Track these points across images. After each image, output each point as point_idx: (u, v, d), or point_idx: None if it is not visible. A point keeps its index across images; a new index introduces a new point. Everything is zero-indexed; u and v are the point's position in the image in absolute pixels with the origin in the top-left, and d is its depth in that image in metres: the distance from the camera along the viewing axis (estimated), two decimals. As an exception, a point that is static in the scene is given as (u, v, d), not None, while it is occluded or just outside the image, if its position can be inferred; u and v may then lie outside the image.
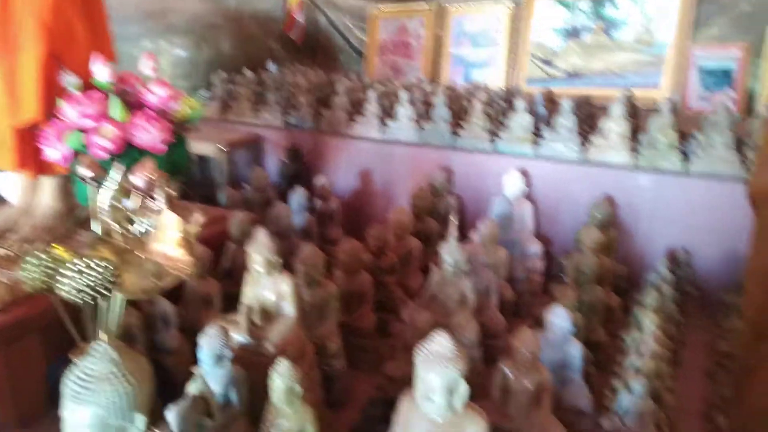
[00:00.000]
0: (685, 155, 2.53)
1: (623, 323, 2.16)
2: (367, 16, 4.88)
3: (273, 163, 3.37)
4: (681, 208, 2.45)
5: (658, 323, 1.87)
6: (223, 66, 4.05)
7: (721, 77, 3.73)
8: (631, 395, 1.59)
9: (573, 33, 4.15)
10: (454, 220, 1.94)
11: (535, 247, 2.61)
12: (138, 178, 1.34)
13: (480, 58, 4.50)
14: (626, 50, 3.98)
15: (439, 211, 2.80)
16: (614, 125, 2.61)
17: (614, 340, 2.10)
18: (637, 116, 3.03)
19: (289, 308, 1.64)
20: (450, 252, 1.87)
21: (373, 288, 2.12)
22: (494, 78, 4.41)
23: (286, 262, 1.97)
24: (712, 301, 2.43)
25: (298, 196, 2.65)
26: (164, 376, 1.82)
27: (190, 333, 1.46)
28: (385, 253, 2.30)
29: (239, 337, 1.62)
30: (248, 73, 3.74)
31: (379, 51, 4.90)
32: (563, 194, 2.67)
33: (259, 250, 1.60)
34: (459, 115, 3.08)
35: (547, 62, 4.23)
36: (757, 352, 1.21)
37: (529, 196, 2.72)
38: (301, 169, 3.22)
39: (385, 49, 4.89)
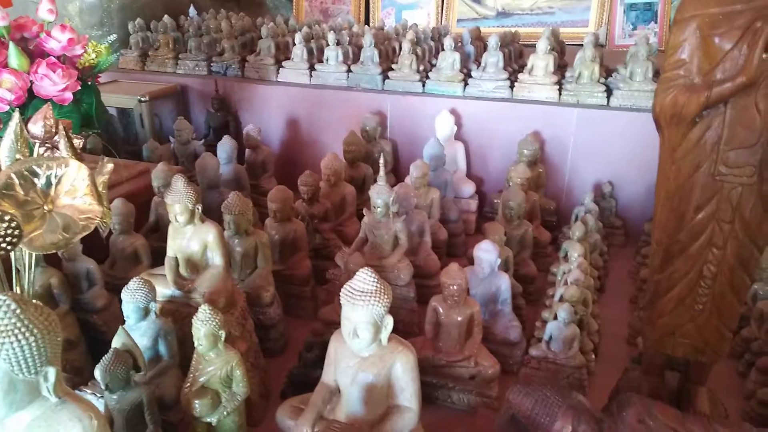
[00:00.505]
0: (609, 89, 2.58)
1: (554, 257, 2.23)
2: (293, -43, 4.67)
3: (199, 113, 3.23)
4: (605, 142, 2.51)
5: (583, 253, 1.95)
6: (139, 13, 3.81)
7: (645, 11, 3.80)
8: (557, 322, 1.66)
9: (501, -29, 4.11)
10: (382, 162, 1.92)
11: (467, 187, 2.64)
12: (38, 128, 1.25)
13: (410, -1, 4.42)
14: (554, -13, 3.99)
15: (374, 156, 2.77)
16: (540, 62, 2.62)
17: (545, 274, 2.17)
18: (563, 53, 3.07)
19: (216, 258, 1.60)
20: (379, 194, 1.86)
21: (306, 235, 2.10)
22: (425, 19, 4.35)
23: (217, 213, 1.93)
24: (635, 231, 2.54)
25: (226, 146, 2.56)
26: (95, 336, 1.78)
27: (120, 291, 1.42)
28: (317, 200, 2.27)
29: (166, 290, 1.58)
30: (167, 19, 3.53)
31: (307, -6, 4.73)
32: (493, 133, 2.69)
33: (178, 199, 1.54)
34: (388, 56, 3.02)
35: (477, 1, 4.19)
36: (665, 274, 1.26)
37: (460, 136, 2.73)
38: (228, 118, 3.11)
39: (313, -9, 4.72)
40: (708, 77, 1.13)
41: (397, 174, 2.84)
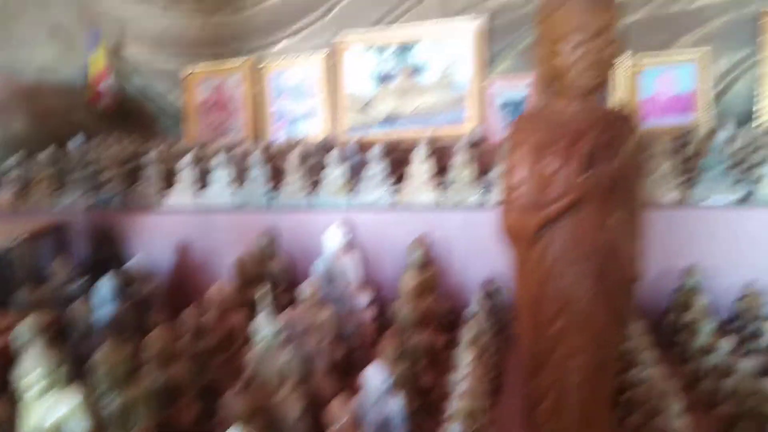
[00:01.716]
0: (487, 187, 2.71)
1: (450, 363, 2.22)
2: (181, 78, 4.74)
3: (81, 250, 3.09)
4: (488, 239, 2.59)
5: (474, 357, 1.95)
6: (18, 147, 3.69)
7: (517, 107, 4.09)
8: (450, 440, 1.62)
9: (384, 79, 4.34)
10: (264, 290, 1.88)
11: (363, 299, 2.62)
12: None
13: (301, 110, 4.55)
14: (432, 91, 4.24)
15: (267, 277, 2.73)
16: (419, 167, 2.73)
17: (442, 383, 2.15)
18: (443, 155, 3.22)
19: (80, 426, 1.47)
20: (261, 326, 1.81)
21: (192, 376, 1.99)
22: (317, 129, 4.48)
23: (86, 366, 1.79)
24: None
25: (106, 284, 2.44)
26: None
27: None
28: (205, 334, 2.18)
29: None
30: (45, 152, 3.44)
31: (199, 112, 4.77)
32: (383, 240, 2.74)
33: (34, 367, 1.42)
34: (277, 173, 3.06)
35: (364, 109, 4.38)
36: (537, 382, 1.28)
37: (352, 247, 2.75)
38: (112, 252, 2.99)
39: (204, 109, 4.77)
40: (542, 197, 1.21)
41: (291, 293, 2.80)
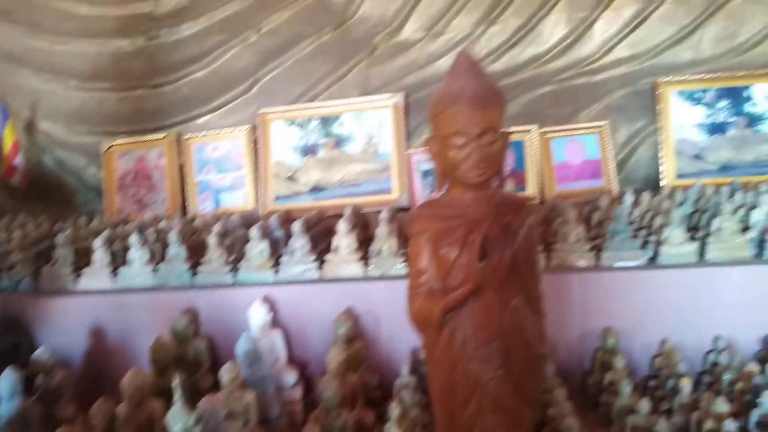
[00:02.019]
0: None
1: (380, 440, 2.17)
2: (101, 151, 4.62)
3: (-16, 339, 2.87)
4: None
5: (402, 435, 1.91)
6: None
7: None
8: None
9: (309, 150, 4.40)
10: (177, 379, 1.80)
11: (290, 377, 2.55)
12: None
13: (227, 182, 4.51)
14: (357, 162, 4.32)
15: (188, 358, 2.62)
16: (343, 240, 2.74)
17: (372, 462, 2.09)
18: (367, 226, 3.25)
19: None
20: (175, 419, 1.72)
21: (100, 476, 1.85)
22: (244, 200, 4.44)
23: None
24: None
25: (6, 378, 2.26)
26: None
27: None
28: (115, 428, 2.04)
29: None
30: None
31: (120, 186, 4.64)
32: (309, 315, 2.70)
33: None
34: (197, 250, 2.98)
35: (291, 179, 4.40)
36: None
37: (277, 324, 2.69)
38: (20, 341, 2.79)
39: (125, 183, 4.65)
40: (444, 284, 1.23)
41: (215, 374, 2.68)
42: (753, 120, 3.95)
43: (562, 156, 4.13)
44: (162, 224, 3.34)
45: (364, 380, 2.47)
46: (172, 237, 2.89)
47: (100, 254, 2.92)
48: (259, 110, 4.42)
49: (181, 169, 4.54)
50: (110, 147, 4.62)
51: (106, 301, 2.81)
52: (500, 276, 1.22)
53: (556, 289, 2.62)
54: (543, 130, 4.14)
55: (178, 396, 1.75)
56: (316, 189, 4.33)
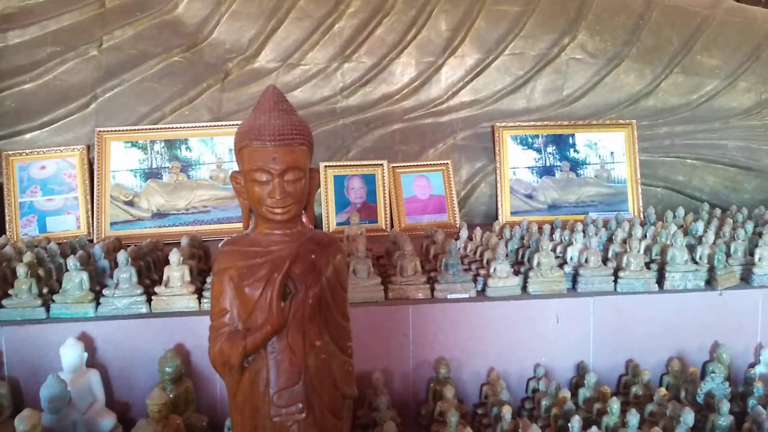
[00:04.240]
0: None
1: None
2: None
3: None
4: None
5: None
6: None
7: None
8: None
9: (152, 174, 4.16)
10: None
11: (107, 421, 2.33)
12: None
13: (55, 205, 4.12)
14: (205, 188, 4.16)
15: (-15, 402, 2.30)
16: (175, 273, 2.59)
17: None
18: (207, 256, 3.11)
19: None
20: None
21: None
22: (75, 225, 4.07)
23: None
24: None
25: None
26: None
27: None
28: None
29: None
30: None
31: (-76, 204, 4.05)
32: (134, 353, 2.50)
33: None
34: (5, 280, 2.66)
35: (130, 203, 4.12)
36: None
37: (94, 363, 2.46)
38: None
39: (-69, 200, 4.07)
40: (246, 325, 1.19)
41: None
42: (576, 164, 4.39)
43: (410, 190, 4.29)
44: (-36, 250, 2.94)
45: (191, 421, 2.33)
46: (-26, 265, 2.55)
47: None
48: (96, 129, 4.11)
49: (2, 188, 4.06)
50: None
51: None
52: (304, 315, 1.20)
53: (393, 321, 2.68)
54: (393, 165, 4.28)
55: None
56: (159, 215, 4.09)
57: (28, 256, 2.61)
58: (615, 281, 2.83)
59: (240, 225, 3.93)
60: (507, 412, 2.35)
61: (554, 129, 4.41)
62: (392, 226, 4.14)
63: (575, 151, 4.41)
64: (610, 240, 3.12)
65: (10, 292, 2.57)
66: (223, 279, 1.21)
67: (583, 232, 3.12)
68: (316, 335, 1.23)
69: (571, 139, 4.43)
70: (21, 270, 2.53)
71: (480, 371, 2.73)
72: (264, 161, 1.28)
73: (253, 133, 1.31)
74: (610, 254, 3.00)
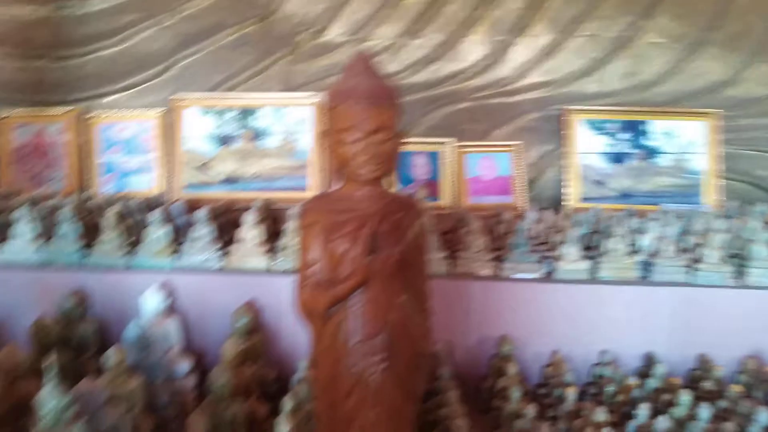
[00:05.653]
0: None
1: (271, 433, 2.12)
2: (-5, 120, 4.27)
3: None
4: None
5: (293, 428, 1.88)
6: None
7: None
8: None
9: (224, 140, 4.27)
10: (52, 357, 1.67)
11: (183, 366, 2.45)
12: None
13: (133, 165, 4.30)
14: (274, 156, 4.24)
15: (74, 341, 2.45)
16: (249, 232, 2.68)
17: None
18: (277, 220, 3.19)
19: None
20: (45, 399, 1.59)
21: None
22: (150, 184, 4.24)
23: None
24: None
25: None
26: None
27: None
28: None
29: None
30: None
31: (13, 159, 4.31)
32: (209, 305, 2.61)
33: None
34: (92, 230, 2.81)
35: (203, 168, 4.24)
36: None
37: (173, 311, 2.58)
38: None
39: (20, 157, 4.32)
40: (332, 276, 1.24)
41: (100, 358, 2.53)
42: (650, 153, 4.25)
43: (475, 170, 4.26)
44: (54, 201, 3.12)
45: (260, 373, 2.42)
46: (64, 214, 2.70)
47: (-20, 226, 2.69)
48: (172, 95, 4.25)
49: (83, 147, 4.27)
50: (5, 117, 4.28)
51: (-15, 276, 2.58)
52: (388, 272, 1.24)
53: (457, 295, 2.69)
54: (459, 143, 4.25)
55: (51, 375, 1.63)
56: (229, 180, 4.21)
57: (114, 209, 2.74)
58: (691, 273, 2.74)
59: (305, 194, 4.07)
60: (571, 393, 2.33)
61: (630, 115, 4.28)
62: (454, 205, 4.13)
63: (650, 139, 4.27)
64: (686, 231, 3.03)
65: (96, 241, 2.71)
66: (311, 232, 1.26)
67: (659, 221, 3.04)
68: (398, 292, 1.27)
69: (646, 126, 4.29)
70: (108, 221, 2.67)
71: (542, 352, 2.71)
72: (355, 120, 1.33)
73: (346, 92, 1.36)
74: (686, 245, 2.91)
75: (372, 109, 1.35)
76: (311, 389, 1.27)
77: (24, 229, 2.68)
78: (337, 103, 1.40)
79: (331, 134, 1.44)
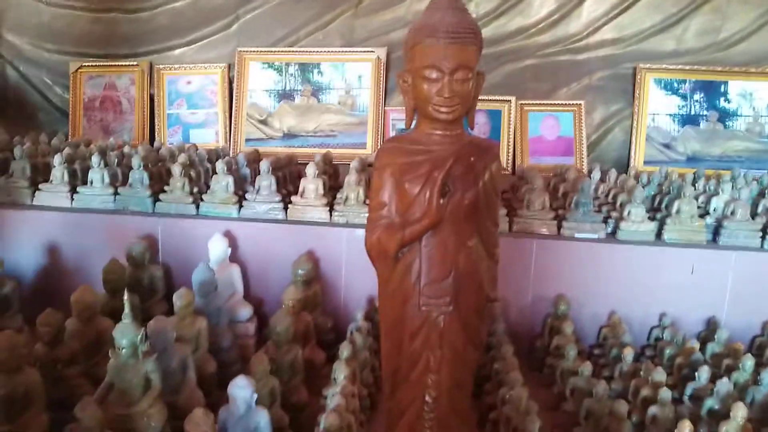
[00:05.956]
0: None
1: (329, 379, 2.19)
2: (69, 72, 4.45)
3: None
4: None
5: (350, 374, 1.94)
6: None
7: (414, 136, 4.20)
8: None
9: (285, 95, 4.32)
10: (126, 298, 1.77)
11: (245, 311, 2.55)
12: None
13: (198, 118, 4.41)
14: (334, 113, 4.26)
15: (143, 283, 2.58)
16: (310, 185, 2.72)
17: (318, 399, 2.11)
18: (337, 175, 3.23)
19: None
20: (122, 333, 1.69)
21: (41, 386, 1.82)
22: (214, 138, 4.36)
23: None
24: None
25: (-48, 284, 2.20)
26: None
27: None
28: (62, 341, 2.01)
29: None
30: None
31: (86, 108, 4.50)
32: (270, 254, 2.68)
33: None
34: (160, 178, 2.92)
35: (264, 122, 4.32)
36: (394, 401, 1.29)
37: (236, 259, 2.67)
38: (-33, 249, 2.71)
39: (92, 107, 4.50)
40: (403, 218, 1.23)
41: (170, 301, 2.66)
42: (725, 115, 4.03)
43: (537, 130, 4.16)
44: (125, 149, 3.25)
45: (318, 322, 2.49)
46: (135, 161, 2.82)
47: (59, 171, 2.84)
48: (237, 48, 4.30)
49: (151, 99, 4.41)
50: (79, 68, 4.45)
51: (62, 219, 2.74)
52: (459, 215, 1.22)
53: (515, 253, 2.67)
54: (522, 102, 4.14)
55: (127, 311, 1.73)
56: (289, 135, 4.27)
57: (182, 158, 2.84)
58: (763, 238, 2.62)
59: (364, 151, 4.08)
60: (629, 354, 2.30)
61: (705, 75, 4.05)
62: (514, 164, 4.06)
63: (726, 100, 4.04)
64: (761, 195, 2.88)
65: (165, 188, 2.82)
66: (384, 174, 1.25)
67: (731, 184, 2.90)
68: (469, 235, 1.25)
69: (722, 87, 4.05)
70: (176, 169, 2.77)
71: (600, 313, 2.67)
72: (435, 58, 1.28)
73: (427, 30, 1.30)
74: (759, 209, 2.78)
75: (454, 47, 1.30)
76: (378, 329, 1.28)
77: (97, 175, 2.82)
78: (418, 40, 1.34)
79: (410, 72, 1.38)
